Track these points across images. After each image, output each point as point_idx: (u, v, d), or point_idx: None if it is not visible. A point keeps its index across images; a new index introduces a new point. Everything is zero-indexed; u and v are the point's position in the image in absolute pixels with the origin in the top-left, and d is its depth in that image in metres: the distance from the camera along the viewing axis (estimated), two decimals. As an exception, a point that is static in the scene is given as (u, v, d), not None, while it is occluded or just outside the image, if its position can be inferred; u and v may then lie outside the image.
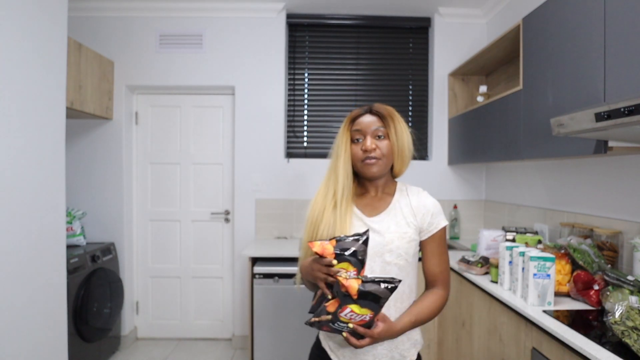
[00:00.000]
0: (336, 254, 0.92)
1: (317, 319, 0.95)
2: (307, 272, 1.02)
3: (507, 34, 2.14)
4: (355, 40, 3.17)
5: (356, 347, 0.94)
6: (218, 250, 3.17)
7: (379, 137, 1.10)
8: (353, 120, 1.14)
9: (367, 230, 0.98)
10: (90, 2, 2.89)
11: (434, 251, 1.12)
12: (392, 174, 1.18)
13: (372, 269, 1.07)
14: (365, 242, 0.95)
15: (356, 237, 0.95)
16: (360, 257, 0.93)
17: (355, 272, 0.92)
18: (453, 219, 3.02)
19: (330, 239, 0.96)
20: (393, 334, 0.99)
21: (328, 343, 1.12)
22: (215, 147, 3.16)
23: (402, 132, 1.12)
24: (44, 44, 1.73)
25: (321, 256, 0.94)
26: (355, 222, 1.11)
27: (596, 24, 1.48)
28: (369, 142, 1.08)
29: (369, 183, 1.16)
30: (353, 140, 1.12)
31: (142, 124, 3.15)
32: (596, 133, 1.32)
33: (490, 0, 2.86)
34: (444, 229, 1.13)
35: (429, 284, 1.14)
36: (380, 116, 1.12)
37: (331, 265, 0.92)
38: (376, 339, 0.95)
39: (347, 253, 0.92)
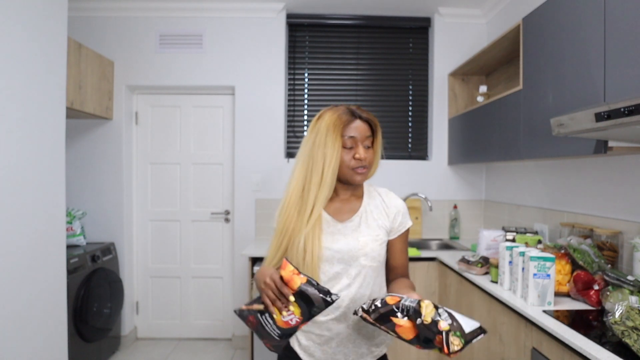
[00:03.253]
0: (298, 292, 0.87)
1: (247, 307, 0.93)
2: (260, 277, 0.96)
3: (507, 34, 2.14)
4: (355, 40, 3.17)
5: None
6: (218, 250, 3.17)
7: (367, 145, 1.10)
8: (343, 125, 1.08)
9: (335, 296, 0.90)
10: (90, 2, 2.89)
11: (402, 248, 1.17)
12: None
13: (349, 273, 1.07)
14: (328, 305, 0.89)
15: (325, 295, 0.88)
16: (313, 313, 0.89)
17: (299, 320, 0.89)
18: (453, 219, 3.02)
19: (304, 275, 0.90)
20: None
21: (299, 341, 1.11)
22: (215, 147, 3.16)
23: (380, 144, 1.14)
24: (44, 44, 1.74)
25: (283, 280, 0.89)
26: (325, 227, 1.09)
27: (596, 24, 1.48)
28: (362, 152, 1.07)
29: (342, 187, 1.13)
30: (344, 146, 1.07)
31: (142, 124, 3.15)
32: (596, 133, 1.32)
33: (490, 0, 2.86)
34: (409, 229, 1.19)
35: (395, 276, 1.16)
36: (370, 124, 1.11)
37: (286, 299, 0.89)
38: None
39: (306, 302, 0.87)
